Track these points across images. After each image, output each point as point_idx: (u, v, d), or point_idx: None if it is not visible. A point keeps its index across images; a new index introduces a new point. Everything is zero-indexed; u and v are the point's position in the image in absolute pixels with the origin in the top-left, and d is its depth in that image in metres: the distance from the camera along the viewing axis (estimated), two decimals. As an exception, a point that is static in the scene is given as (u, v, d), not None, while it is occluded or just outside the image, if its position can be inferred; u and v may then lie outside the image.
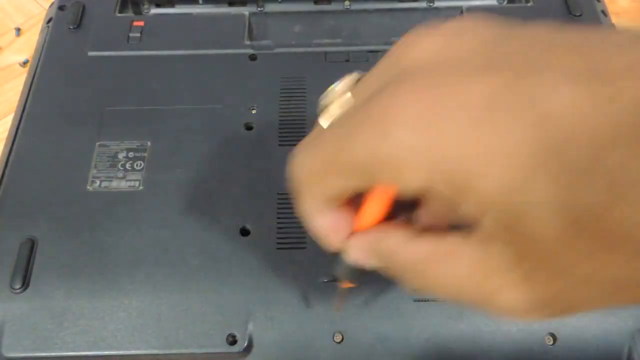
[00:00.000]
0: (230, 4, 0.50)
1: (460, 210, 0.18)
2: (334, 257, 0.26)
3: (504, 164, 0.15)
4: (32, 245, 0.35)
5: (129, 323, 0.33)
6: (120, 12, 0.47)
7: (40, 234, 0.35)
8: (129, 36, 0.45)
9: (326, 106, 0.23)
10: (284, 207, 0.36)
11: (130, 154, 0.38)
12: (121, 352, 0.32)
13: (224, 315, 0.33)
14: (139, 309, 0.33)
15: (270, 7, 0.49)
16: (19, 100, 0.42)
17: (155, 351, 0.32)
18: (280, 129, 0.40)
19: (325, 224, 0.23)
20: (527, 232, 0.16)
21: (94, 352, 0.32)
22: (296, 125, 0.40)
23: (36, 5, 0.64)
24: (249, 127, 0.40)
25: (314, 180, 0.21)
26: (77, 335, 0.32)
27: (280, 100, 0.41)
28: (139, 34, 0.45)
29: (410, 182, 0.17)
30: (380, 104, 0.18)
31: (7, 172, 0.38)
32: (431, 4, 0.49)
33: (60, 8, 0.47)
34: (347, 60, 0.43)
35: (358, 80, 0.22)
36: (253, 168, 0.38)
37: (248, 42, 0.45)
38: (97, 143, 0.39)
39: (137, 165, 0.38)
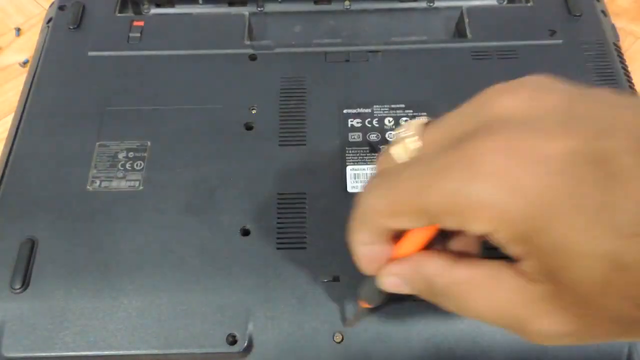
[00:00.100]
0: (230, 4, 0.50)
1: (508, 249, 0.19)
2: (364, 279, 0.27)
3: (569, 222, 0.17)
4: (32, 245, 0.35)
5: (129, 323, 0.33)
6: (120, 12, 0.47)
7: (40, 234, 0.35)
8: (129, 36, 0.45)
9: (395, 146, 0.24)
10: (284, 207, 0.36)
11: (130, 154, 0.38)
12: (121, 352, 0.32)
13: (224, 315, 0.33)
14: (139, 309, 0.33)
15: (270, 7, 0.49)
16: (19, 100, 0.42)
17: (155, 351, 0.32)
18: (280, 129, 0.40)
19: (371, 252, 0.24)
20: (569, 277, 0.18)
21: (94, 352, 0.32)
22: (296, 125, 0.40)
23: (36, 5, 0.64)
24: (249, 127, 0.40)
25: (381, 216, 0.22)
26: (77, 335, 0.32)
27: (280, 100, 0.41)
28: (139, 34, 0.45)
29: (477, 229, 0.19)
30: (468, 151, 0.19)
31: (7, 172, 0.38)
32: (431, 4, 0.49)
33: (60, 8, 0.47)
34: (347, 60, 0.43)
35: (426, 124, 0.23)
36: (253, 168, 0.38)
37: (248, 42, 0.45)
38: (97, 143, 0.39)
39: (137, 165, 0.38)
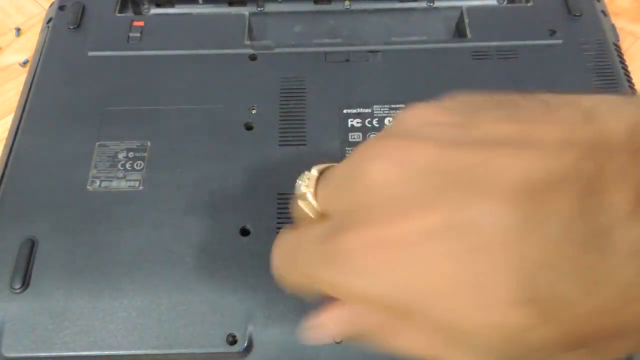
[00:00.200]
0: (230, 4, 0.50)
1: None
2: None
3: (450, 303, 0.17)
4: (32, 245, 0.35)
5: (129, 323, 0.33)
6: (120, 12, 0.47)
7: (40, 234, 0.35)
8: (129, 36, 0.45)
9: (299, 200, 0.25)
10: (284, 207, 0.36)
11: (130, 154, 0.38)
12: (121, 352, 0.32)
13: (224, 315, 0.33)
14: (139, 309, 0.33)
15: (270, 7, 0.49)
16: (19, 100, 0.42)
17: (155, 351, 0.32)
18: (280, 129, 0.40)
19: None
20: (465, 347, 0.18)
21: (94, 352, 0.32)
22: (296, 125, 0.40)
23: (36, 5, 0.64)
24: (249, 127, 0.40)
25: (286, 281, 0.23)
26: (77, 335, 0.32)
27: (280, 100, 0.41)
28: (139, 34, 0.45)
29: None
30: (342, 246, 0.19)
31: (7, 172, 0.38)
32: (431, 4, 0.49)
33: (60, 8, 0.47)
34: (347, 60, 0.43)
35: (319, 177, 0.24)
36: (253, 168, 0.38)
37: (248, 42, 0.45)
38: (97, 143, 0.39)
39: (137, 165, 0.38)
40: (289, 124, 0.40)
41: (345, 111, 0.40)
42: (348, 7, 0.49)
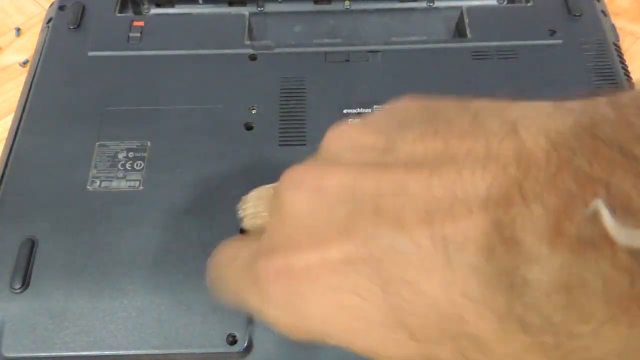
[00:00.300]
0: (230, 4, 0.50)
1: None
2: None
3: (362, 337, 0.17)
4: (32, 245, 0.35)
5: (129, 323, 0.33)
6: (120, 12, 0.47)
7: (40, 234, 0.35)
8: (129, 36, 0.45)
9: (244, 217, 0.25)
10: (284, 207, 0.36)
11: (130, 154, 0.38)
12: (121, 352, 0.32)
13: (224, 315, 0.33)
14: (139, 309, 0.33)
15: (270, 7, 0.49)
16: (19, 100, 0.42)
17: (155, 351, 0.32)
18: (280, 129, 0.40)
19: None
20: None
21: (94, 352, 0.32)
22: (296, 125, 0.40)
23: (36, 5, 0.64)
24: (249, 127, 0.40)
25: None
26: (77, 335, 0.32)
27: (280, 100, 0.41)
28: (139, 34, 0.45)
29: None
30: (257, 276, 0.19)
31: (7, 172, 0.38)
32: (431, 4, 0.49)
33: (60, 8, 0.47)
34: (347, 60, 0.43)
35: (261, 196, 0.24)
36: (253, 168, 0.38)
37: (248, 42, 0.45)
38: (97, 143, 0.39)
39: (137, 165, 0.38)
40: (289, 124, 0.40)
41: (345, 111, 0.40)
42: (348, 7, 0.49)
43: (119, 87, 0.42)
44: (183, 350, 0.32)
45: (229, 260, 0.22)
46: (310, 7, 0.49)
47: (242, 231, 0.35)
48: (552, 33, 0.44)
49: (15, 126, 0.40)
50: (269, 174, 0.38)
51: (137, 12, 0.50)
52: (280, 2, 0.49)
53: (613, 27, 0.46)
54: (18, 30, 0.61)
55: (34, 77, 0.43)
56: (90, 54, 0.44)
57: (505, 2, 0.49)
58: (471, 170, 0.14)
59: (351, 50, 0.44)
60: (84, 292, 0.33)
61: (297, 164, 0.21)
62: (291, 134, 0.39)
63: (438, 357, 0.15)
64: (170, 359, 0.33)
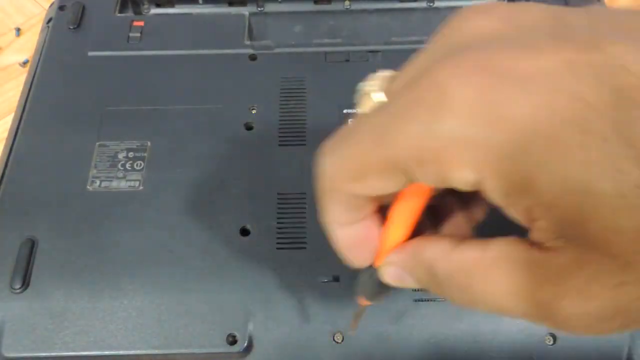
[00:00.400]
0: (230, 4, 0.49)
1: (511, 212, 0.16)
2: (360, 272, 0.24)
3: (576, 151, 0.13)
4: (32, 245, 0.35)
5: (129, 323, 0.33)
6: (120, 12, 0.47)
7: (40, 234, 0.35)
8: (129, 36, 0.45)
9: (358, 103, 0.21)
10: (284, 207, 0.36)
11: (130, 154, 0.38)
12: (121, 352, 0.32)
13: (224, 315, 0.33)
14: (139, 309, 0.33)
15: (270, 7, 0.49)
16: (19, 100, 0.42)
17: (155, 351, 0.32)
18: (280, 129, 0.40)
19: (351, 236, 0.21)
20: (595, 230, 0.14)
21: (94, 352, 0.32)
22: (296, 125, 0.40)
23: (36, 5, 0.64)
24: (249, 127, 0.40)
25: (344, 180, 0.19)
26: (77, 335, 0.32)
27: (280, 100, 0.41)
28: (139, 34, 0.45)
29: (460, 178, 0.15)
30: (426, 86, 0.15)
31: (7, 172, 0.38)
32: (431, 4, 0.49)
33: (60, 8, 0.47)
34: (347, 60, 0.43)
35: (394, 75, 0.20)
36: (253, 168, 0.38)
37: (248, 42, 0.45)
38: (97, 143, 0.39)
39: (137, 165, 0.38)
40: (289, 124, 0.40)
41: (345, 111, 0.40)
42: (348, 7, 0.49)
43: (119, 87, 0.42)
44: (183, 350, 0.32)
45: (352, 128, 0.18)
46: (310, 7, 0.49)
47: (244, 232, 0.36)
48: (552, 33, 0.44)
49: (15, 126, 0.40)
50: (269, 174, 0.38)
51: (137, 12, 0.50)
52: (280, 2, 0.49)
53: None
54: (18, 30, 0.61)
55: (34, 77, 0.43)
56: (90, 54, 0.44)
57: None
58: None
59: (351, 50, 0.44)
60: (84, 292, 0.33)
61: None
62: (291, 134, 0.39)
63: None
64: (170, 359, 0.33)
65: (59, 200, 0.37)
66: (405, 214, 0.20)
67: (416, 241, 0.20)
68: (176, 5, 0.50)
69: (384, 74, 0.20)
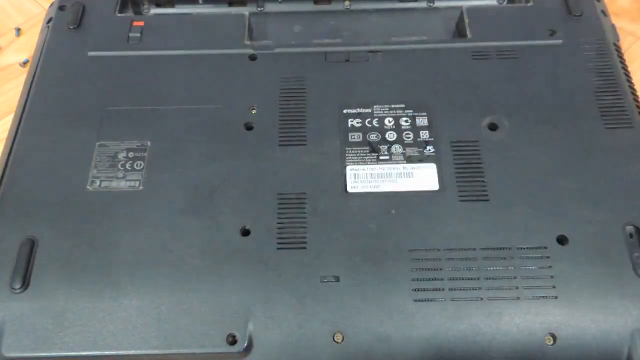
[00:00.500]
0: (230, 4, 0.50)
1: None
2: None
3: None
4: (32, 245, 0.35)
5: (129, 323, 0.33)
6: (120, 12, 0.47)
7: (40, 234, 0.35)
8: (129, 36, 0.45)
9: None
10: (284, 207, 0.36)
11: (130, 154, 0.38)
12: (121, 352, 0.32)
13: (224, 315, 0.33)
14: (139, 309, 0.33)
15: (270, 7, 0.49)
16: (19, 100, 0.42)
17: (155, 351, 0.32)
18: (280, 129, 0.40)
19: None
20: None
21: (94, 352, 0.32)
22: (296, 125, 0.40)
23: (36, 5, 0.64)
24: (249, 127, 0.40)
25: None
26: (77, 335, 0.32)
27: (280, 100, 0.41)
28: (139, 34, 0.45)
29: None
30: None
31: (7, 172, 0.38)
32: (431, 4, 0.49)
33: (60, 8, 0.47)
34: (347, 60, 0.43)
35: None
36: (253, 168, 0.38)
37: (248, 42, 0.45)
38: (97, 143, 0.39)
39: (137, 165, 0.38)
40: (289, 124, 0.40)
41: (345, 111, 0.40)
42: (348, 7, 0.49)
43: (119, 87, 0.42)
44: (183, 350, 0.32)
45: None
46: (310, 7, 0.49)
47: (244, 232, 0.36)
48: (552, 33, 0.44)
49: (15, 126, 0.40)
50: (269, 174, 0.38)
51: (137, 12, 0.50)
52: (280, 2, 0.49)
53: (613, 27, 0.46)
54: (18, 30, 0.61)
55: (34, 77, 0.43)
56: (90, 54, 0.44)
57: (505, 2, 0.49)
58: None
59: (351, 50, 0.44)
60: (84, 292, 0.33)
61: None
62: (291, 134, 0.39)
63: None
64: (170, 359, 0.33)
65: (59, 200, 0.37)
66: None
67: None
68: (176, 5, 0.50)
69: None
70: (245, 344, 0.32)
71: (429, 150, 0.39)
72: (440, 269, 0.34)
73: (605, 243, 0.35)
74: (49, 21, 0.47)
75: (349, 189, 0.37)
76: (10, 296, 0.33)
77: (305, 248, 0.35)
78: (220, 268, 0.34)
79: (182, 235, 0.35)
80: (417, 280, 0.34)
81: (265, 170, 0.38)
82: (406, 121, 0.40)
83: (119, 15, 0.47)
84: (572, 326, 0.32)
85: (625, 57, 0.44)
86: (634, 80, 0.42)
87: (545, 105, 0.40)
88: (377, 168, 0.38)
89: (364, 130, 0.40)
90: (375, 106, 0.41)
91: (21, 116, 0.41)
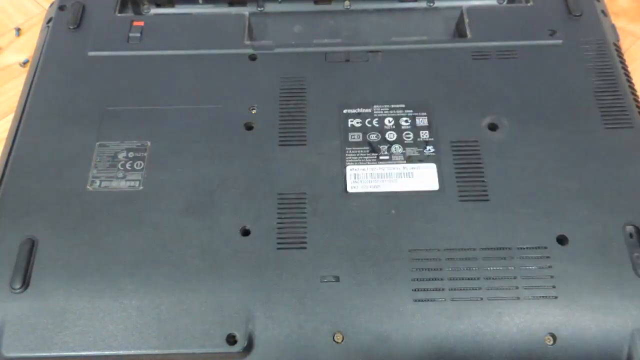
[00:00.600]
0: (230, 4, 0.50)
1: None
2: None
3: None
4: (32, 245, 0.35)
5: (129, 323, 0.33)
6: (120, 12, 0.47)
7: (40, 234, 0.35)
8: (129, 36, 0.45)
9: None
10: (284, 207, 0.36)
11: (130, 154, 0.38)
12: (121, 352, 0.32)
13: (224, 315, 0.33)
14: (139, 309, 0.33)
15: (270, 7, 0.49)
16: (19, 100, 0.42)
17: (155, 351, 0.32)
18: (280, 129, 0.40)
19: None
20: None
21: (94, 352, 0.32)
22: (296, 125, 0.40)
23: (36, 5, 0.64)
24: (249, 127, 0.40)
25: None
26: (77, 335, 0.32)
27: (280, 100, 0.41)
28: (139, 34, 0.45)
29: None
30: None
31: (7, 172, 0.38)
32: (431, 4, 0.49)
33: (60, 8, 0.47)
34: (347, 60, 0.43)
35: None
36: (253, 168, 0.38)
37: (248, 42, 0.45)
38: (97, 143, 0.39)
39: (137, 165, 0.38)
40: (289, 124, 0.40)
41: (345, 111, 0.40)
42: (348, 7, 0.49)
43: (119, 87, 0.42)
44: (183, 350, 0.32)
45: None
46: (310, 7, 0.49)
47: (244, 232, 0.36)
48: (552, 33, 0.44)
49: (15, 126, 0.40)
50: (269, 174, 0.38)
51: (137, 12, 0.50)
52: (280, 2, 0.49)
53: (613, 27, 0.46)
54: (18, 30, 0.61)
55: (34, 77, 0.43)
56: (90, 54, 0.44)
57: (505, 2, 0.49)
58: None
59: (351, 50, 0.44)
60: (84, 292, 0.33)
61: None
62: (291, 134, 0.39)
63: None
64: (170, 359, 0.33)
65: (59, 200, 0.37)
66: None
67: None
68: (176, 5, 0.50)
69: None
70: (245, 344, 0.32)
71: (429, 150, 0.39)
72: (440, 269, 0.34)
73: (605, 243, 0.35)
74: (49, 21, 0.47)
75: (349, 189, 0.37)
76: (10, 296, 0.33)
77: (305, 248, 0.35)
78: (220, 268, 0.34)
79: (182, 235, 0.35)
80: (417, 280, 0.34)
81: (265, 170, 0.38)
82: (406, 121, 0.40)
83: (119, 15, 0.47)
84: (572, 326, 0.32)
85: (625, 57, 0.44)
86: (634, 80, 0.42)
87: (545, 105, 0.40)
88: (377, 168, 0.38)
89: (364, 130, 0.40)
90: (375, 106, 0.41)
91: (21, 116, 0.41)
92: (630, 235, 0.35)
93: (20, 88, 0.43)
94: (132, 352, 0.32)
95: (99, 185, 0.37)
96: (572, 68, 0.42)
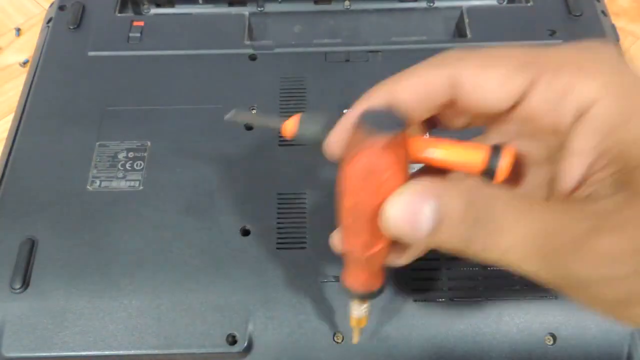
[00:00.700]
0: (230, 4, 0.50)
1: (588, 150, 0.17)
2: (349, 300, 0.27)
3: None
4: (32, 245, 0.35)
5: (129, 323, 0.33)
6: (120, 12, 0.47)
7: (40, 234, 0.35)
8: (129, 36, 0.45)
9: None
10: (284, 207, 0.36)
11: (130, 154, 0.38)
12: (121, 352, 0.32)
13: (224, 315, 0.33)
14: (139, 309, 0.33)
15: (270, 7, 0.49)
16: (19, 100, 0.42)
17: (155, 351, 0.32)
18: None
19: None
20: None
21: (94, 352, 0.32)
22: (296, 125, 0.40)
23: (36, 5, 0.64)
24: (248, 127, 0.40)
25: None
26: (77, 335, 0.32)
27: (280, 100, 0.41)
28: (139, 34, 0.45)
29: (580, 93, 0.19)
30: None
31: (7, 172, 0.38)
32: (431, 4, 0.49)
33: (60, 8, 0.47)
34: (347, 60, 0.43)
35: None
36: (253, 168, 0.38)
37: (248, 42, 0.45)
38: (97, 143, 0.39)
39: (137, 165, 0.38)
40: (289, 124, 0.40)
41: (345, 111, 0.40)
42: (348, 7, 0.49)
43: (119, 87, 0.42)
44: (183, 350, 0.32)
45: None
46: (310, 7, 0.49)
47: (244, 232, 0.36)
48: (552, 33, 0.44)
49: (15, 126, 0.40)
50: (269, 174, 0.38)
51: (137, 12, 0.50)
52: (280, 2, 0.49)
53: (613, 27, 0.46)
54: (18, 30, 0.61)
55: (34, 77, 0.43)
56: (90, 54, 0.44)
57: (505, 2, 0.49)
58: None
59: (351, 50, 0.44)
60: (84, 292, 0.33)
61: None
62: (291, 134, 0.39)
63: None
64: (170, 359, 0.33)
65: (59, 200, 0.37)
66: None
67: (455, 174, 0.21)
68: (176, 5, 0.50)
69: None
70: (245, 344, 0.32)
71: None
72: (440, 269, 0.34)
73: (605, 243, 0.35)
74: (49, 21, 0.47)
75: (349, 189, 0.37)
76: (10, 296, 0.33)
77: (305, 248, 0.35)
78: (220, 268, 0.34)
79: (182, 235, 0.35)
80: (417, 280, 0.34)
81: (265, 170, 0.38)
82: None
83: (119, 15, 0.47)
84: (572, 326, 0.32)
85: (625, 57, 0.44)
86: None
87: (545, 105, 0.40)
88: (377, 168, 0.38)
89: (364, 130, 0.40)
90: (375, 106, 0.41)
91: (21, 116, 0.41)
92: (630, 235, 0.35)
93: (20, 88, 0.43)
94: (132, 352, 0.32)
95: (99, 185, 0.37)
96: (572, 68, 0.42)
